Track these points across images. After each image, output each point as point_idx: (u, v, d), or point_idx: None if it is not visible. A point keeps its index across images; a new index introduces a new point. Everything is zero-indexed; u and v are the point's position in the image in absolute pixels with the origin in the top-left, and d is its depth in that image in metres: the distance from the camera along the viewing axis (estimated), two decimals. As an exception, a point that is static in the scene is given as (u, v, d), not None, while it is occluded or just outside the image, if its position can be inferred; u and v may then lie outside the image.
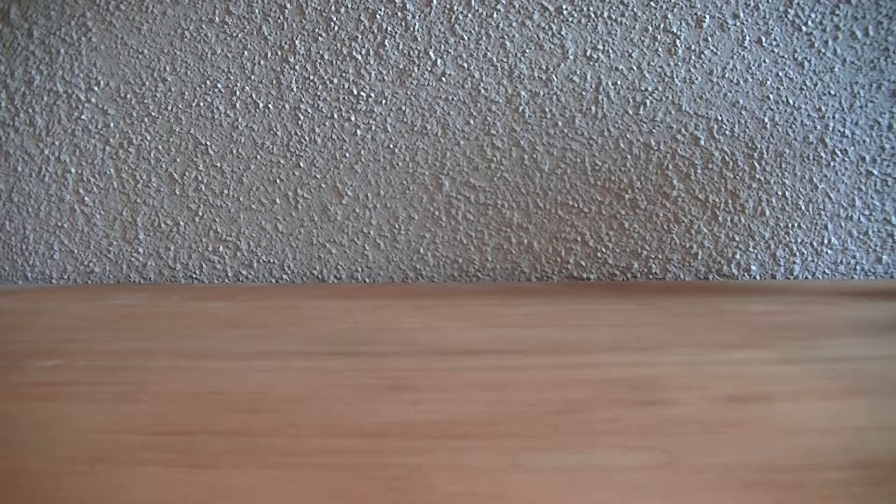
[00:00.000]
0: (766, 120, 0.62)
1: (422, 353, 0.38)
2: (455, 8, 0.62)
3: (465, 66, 0.63)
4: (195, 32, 0.63)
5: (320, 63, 0.63)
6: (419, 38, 0.63)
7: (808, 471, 0.22)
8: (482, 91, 0.63)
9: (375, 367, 0.36)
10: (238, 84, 0.64)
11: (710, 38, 0.61)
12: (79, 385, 0.33)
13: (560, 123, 0.63)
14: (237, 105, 0.64)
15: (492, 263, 0.64)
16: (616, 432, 0.25)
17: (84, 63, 0.64)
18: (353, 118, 0.63)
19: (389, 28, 0.63)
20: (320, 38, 0.63)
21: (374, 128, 0.63)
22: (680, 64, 0.62)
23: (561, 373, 0.34)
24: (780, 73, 0.61)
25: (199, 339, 0.43)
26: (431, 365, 0.35)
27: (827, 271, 0.64)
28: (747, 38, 0.61)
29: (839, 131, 0.62)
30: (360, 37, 0.63)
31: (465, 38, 0.63)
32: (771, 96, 0.61)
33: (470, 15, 0.62)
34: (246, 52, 0.63)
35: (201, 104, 0.64)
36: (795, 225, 0.63)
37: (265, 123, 0.64)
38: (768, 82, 0.61)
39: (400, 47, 0.63)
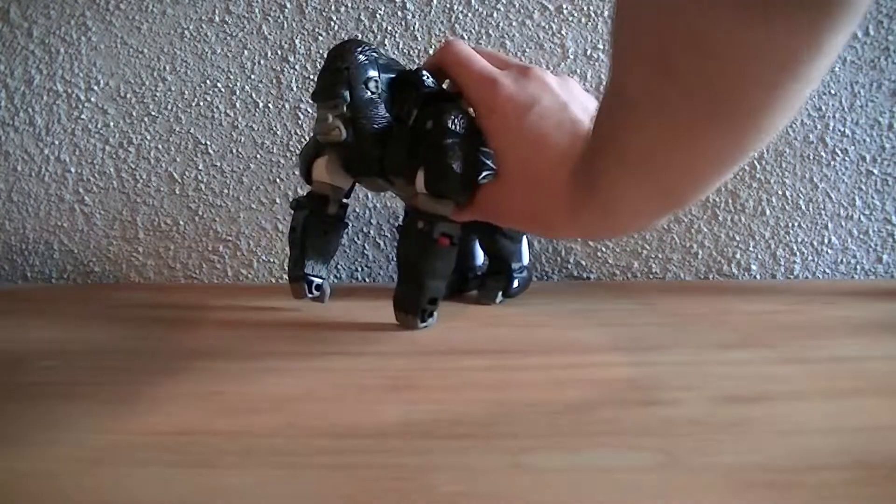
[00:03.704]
0: (767, 119, 0.62)
1: (422, 353, 0.38)
2: (455, 7, 0.62)
3: (465, 65, 0.63)
4: (195, 32, 0.63)
5: (320, 63, 0.63)
6: (419, 38, 0.63)
7: (808, 471, 0.22)
8: (482, 91, 0.63)
9: (375, 367, 0.36)
10: (238, 84, 0.64)
11: (710, 38, 0.61)
12: (79, 385, 0.33)
13: (560, 123, 0.63)
14: (237, 105, 0.64)
15: (492, 263, 0.64)
16: (616, 432, 0.25)
17: (84, 62, 0.64)
18: (353, 118, 0.62)
19: (389, 27, 0.63)
20: (320, 38, 0.63)
21: (374, 127, 0.63)
22: (680, 63, 0.61)
23: (561, 373, 0.34)
24: (781, 73, 0.61)
25: (199, 338, 0.43)
26: (431, 365, 0.35)
27: (827, 271, 0.64)
28: (747, 37, 0.61)
29: (839, 131, 0.62)
30: (359, 36, 0.63)
31: (465, 37, 0.63)
32: (771, 96, 0.61)
33: (470, 14, 0.62)
34: (246, 52, 0.63)
35: (201, 104, 0.64)
36: (795, 224, 0.63)
37: (265, 123, 0.64)
38: (768, 82, 0.61)
39: (400, 46, 0.63)
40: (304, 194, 0.47)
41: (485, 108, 0.39)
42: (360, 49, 0.41)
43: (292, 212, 0.47)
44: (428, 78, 0.42)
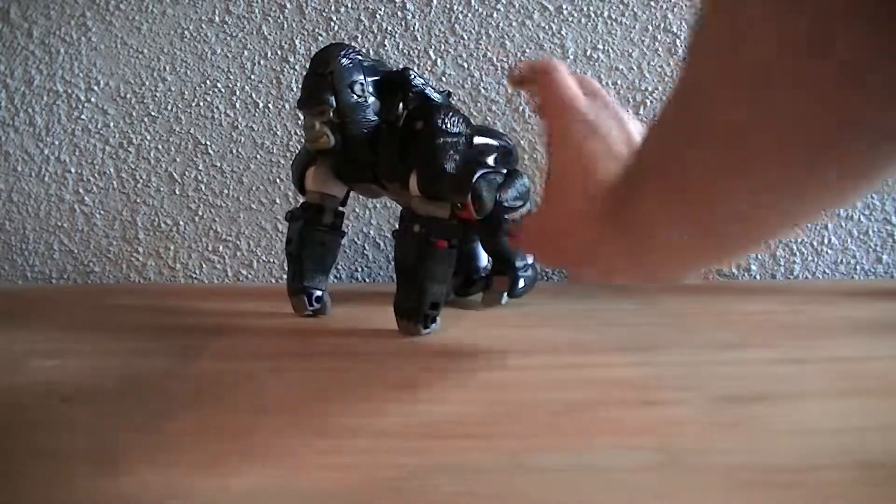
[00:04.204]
0: (766, 120, 0.62)
1: (422, 354, 0.38)
2: (455, 7, 0.62)
3: (465, 65, 0.63)
4: (195, 32, 0.63)
5: (320, 63, 0.63)
6: (419, 38, 0.63)
7: (808, 471, 0.22)
8: (482, 91, 0.63)
9: (375, 368, 0.36)
10: (238, 84, 0.64)
11: (710, 38, 0.61)
12: (79, 385, 0.33)
13: (560, 123, 0.63)
14: (237, 105, 0.64)
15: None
16: (616, 432, 0.25)
17: (84, 63, 0.64)
18: (353, 118, 0.62)
19: (389, 28, 0.63)
20: (320, 38, 0.63)
21: (374, 127, 0.63)
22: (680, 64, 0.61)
23: (561, 373, 0.34)
24: (780, 73, 0.61)
25: (199, 339, 0.43)
26: (431, 365, 0.35)
27: (827, 271, 0.64)
28: (747, 37, 0.61)
29: (839, 131, 0.62)
30: (359, 36, 0.63)
31: (465, 37, 0.63)
32: (771, 96, 0.61)
33: (470, 14, 0.62)
34: (246, 52, 0.63)
35: (201, 104, 0.64)
36: (795, 225, 0.63)
37: (265, 123, 0.64)
38: (768, 82, 0.61)
39: (400, 47, 0.63)
40: (299, 205, 0.47)
41: (558, 134, 0.37)
42: (343, 53, 0.40)
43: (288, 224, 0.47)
44: (416, 77, 0.42)
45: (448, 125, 0.39)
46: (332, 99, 0.40)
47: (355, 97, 0.40)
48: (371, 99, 0.41)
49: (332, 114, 0.40)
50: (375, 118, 0.41)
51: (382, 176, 0.42)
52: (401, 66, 0.43)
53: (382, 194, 0.46)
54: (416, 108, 0.41)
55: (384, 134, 0.41)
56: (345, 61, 0.40)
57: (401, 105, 0.41)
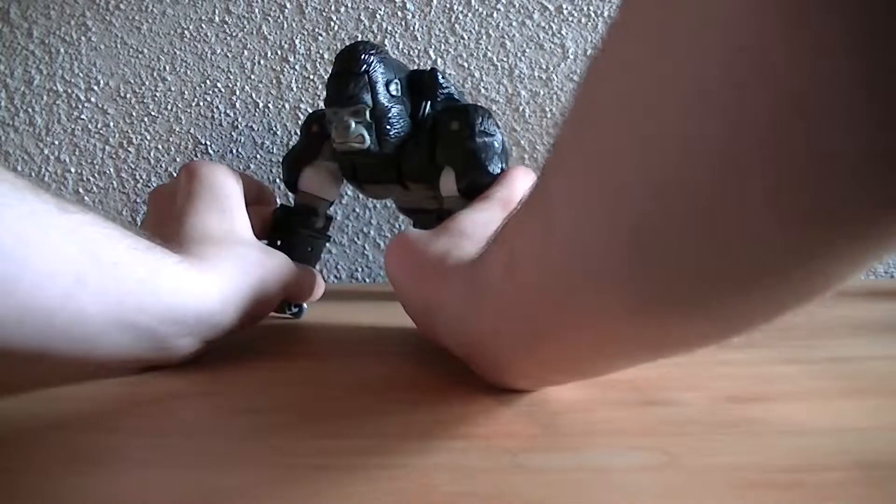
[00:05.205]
0: (767, 120, 0.61)
1: (421, 353, 0.38)
2: (455, 7, 0.62)
3: (465, 65, 0.63)
4: (195, 32, 0.63)
5: (320, 63, 0.63)
6: (419, 38, 0.63)
7: (808, 471, 0.22)
8: (482, 91, 0.63)
9: (375, 367, 0.36)
10: (238, 84, 0.64)
11: (710, 38, 0.61)
12: (78, 385, 0.33)
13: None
14: (237, 105, 0.64)
15: (492, 263, 0.64)
16: (616, 432, 0.25)
17: (84, 62, 0.64)
18: (353, 118, 0.62)
19: (389, 28, 0.63)
20: (320, 38, 0.63)
21: (374, 127, 0.63)
22: (680, 63, 0.61)
23: (561, 373, 0.34)
24: (781, 73, 0.61)
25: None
26: (431, 364, 0.35)
27: (827, 271, 0.64)
28: (747, 37, 0.61)
29: (839, 131, 0.62)
30: (359, 36, 0.63)
31: (465, 37, 0.63)
32: (771, 96, 0.61)
33: (470, 14, 0.62)
34: (246, 52, 0.63)
35: (201, 104, 0.64)
36: (795, 225, 0.63)
37: (265, 123, 0.64)
38: (768, 82, 0.61)
39: (400, 47, 0.63)
40: (293, 206, 0.46)
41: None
42: (374, 51, 0.40)
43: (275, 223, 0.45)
44: (444, 79, 0.42)
45: (486, 126, 0.40)
46: (369, 98, 0.39)
47: (390, 96, 0.40)
48: (403, 99, 0.41)
49: (367, 114, 0.39)
50: (408, 119, 0.41)
51: (408, 176, 0.42)
52: (427, 67, 0.43)
53: (393, 194, 0.46)
54: (447, 109, 0.41)
55: (413, 134, 0.41)
56: (376, 59, 0.40)
57: (428, 105, 0.41)
